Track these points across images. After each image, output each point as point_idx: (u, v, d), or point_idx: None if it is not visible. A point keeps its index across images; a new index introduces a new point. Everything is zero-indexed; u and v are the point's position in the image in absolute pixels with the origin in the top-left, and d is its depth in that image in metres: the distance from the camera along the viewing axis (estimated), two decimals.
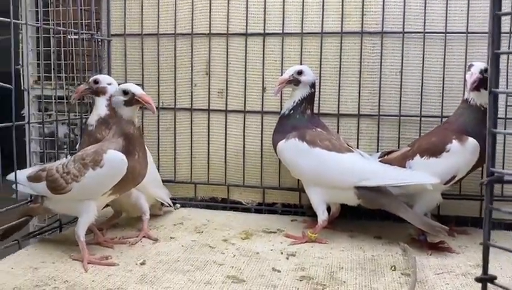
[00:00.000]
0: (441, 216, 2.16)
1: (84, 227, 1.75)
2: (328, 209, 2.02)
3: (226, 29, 2.38)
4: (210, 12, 2.39)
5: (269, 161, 2.40)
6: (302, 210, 2.39)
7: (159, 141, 2.51)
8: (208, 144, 2.48)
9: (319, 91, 2.25)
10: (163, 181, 2.33)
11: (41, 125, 2.50)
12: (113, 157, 1.72)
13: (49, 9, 2.82)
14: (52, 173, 1.78)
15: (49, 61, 2.50)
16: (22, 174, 1.87)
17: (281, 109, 2.22)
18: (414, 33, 2.19)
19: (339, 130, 2.29)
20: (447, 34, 2.15)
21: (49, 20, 2.73)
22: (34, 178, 1.84)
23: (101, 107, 2.04)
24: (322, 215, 1.98)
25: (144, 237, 1.99)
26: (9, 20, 1.73)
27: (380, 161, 2.03)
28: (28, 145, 2.15)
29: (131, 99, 1.75)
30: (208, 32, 2.40)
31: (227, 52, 2.40)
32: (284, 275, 1.65)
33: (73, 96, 2.09)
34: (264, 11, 2.34)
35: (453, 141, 1.87)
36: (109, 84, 2.05)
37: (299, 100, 2.06)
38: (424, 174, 1.86)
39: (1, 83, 0.98)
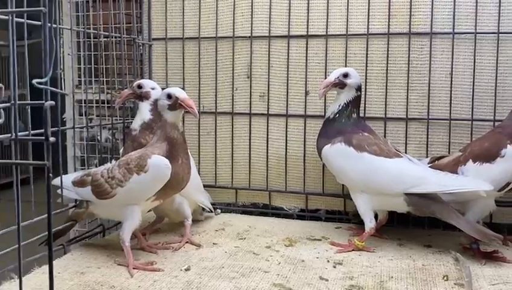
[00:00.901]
0: (492, 224, 2.13)
1: (129, 232, 1.78)
2: (375, 216, 2.01)
3: (268, 31, 2.40)
4: (252, 14, 2.42)
5: (312, 166, 2.41)
6: (347, 217, 2.38)
7: (199, 145, 2.54)
8: (249, 148, 2.50)
9: (365, 94, 2.24)
10: (204, 186, 2.35)
11: (83, 130, 2.56)
12: (158, 162, 1.75)
13: (90, 13, 2.89)
14: (97, 178, 1.82)
15: (90, 66, 2.58)
16: (67, 179, 1.91)
17: (325, 113, 2.22)
18: (465, 34, 2.17)
19: (386, 134, 2.27)
20: (500, 35, 2.12)
21: (89, 25, 2.82)
22: (79, 183, 1.88)
23: (144, 112, 2.07)
24: (370, 223, 1.97)
25: (186, 242, 2.01)
26: (54, 25, 1.77)
27: (430, 167, 1.99)
28: (73, 150, 2.20)
29: (175, 104, 1.77)
30: (250, 35, 2.42)
31: (269, 54, 2.42)
32: (332, 284, 1.64)
33: (117, 101, 2.12)
34: (307, 12, 2.34)
35: (508, 145, 1.85)
36: (153, 88, 2.08)
37: (345, 104, 2.05)
38: (478, 181, 1.83)
39: (54, 89, 1.02)
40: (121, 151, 2.16)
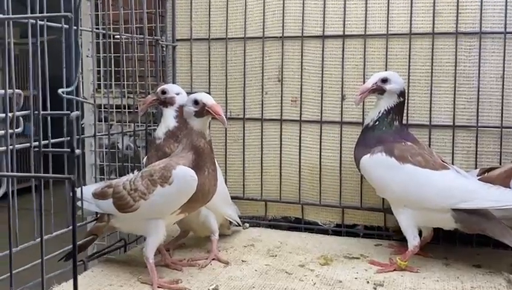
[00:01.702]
0: None
1: (153, 248, 1.79)
2: (419, 233, 1.98)
3: (301, 31, 2.39)
4: (283, 13, 2.41)
5: (349, 177, 2.39)
6: (388, 233, 2.36)
7: (226, 153, 2.55)
8: (280, 157, 2.50)
9: (408, 99, 2.21)
10: (231, 198, 2.36)
11: (102, 137, 2.60)
12: (183, 173, 1.76)
13: (110, 12, 2.92)
14: (119, 190, 1.84)
15: (110, 68, 2.62)
16: (87, 191, 1.93)
17: (363, 120, 2.22)
18: None
19: (431, 143, 2.25)
20: None
21: (109, 25, 2.85)
22: (100, 195, 1.89)
23: (169, 119, 2.09)
24: (413, 241, 1.94)
25: (213, 259, 2.02)
26: (75, 27, 1.79)
27: (479, 179, 1.97)
28: (95, 159, 2.23)
29: (202, 110, 1.78)
30: (281, 35, 2.42)
31: (301, 56, 2.41)
32: None
33: (140, 108, 2.15)
34: (344, 10, 2.33)
35: None
36: (177, 94, 2.11)
37: (385, 110, 2.03)
38: None
39: (82, 99, 1.04)
40: (144, 160, 2.19)
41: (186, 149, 1.80)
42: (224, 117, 1.76)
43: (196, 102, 1.79)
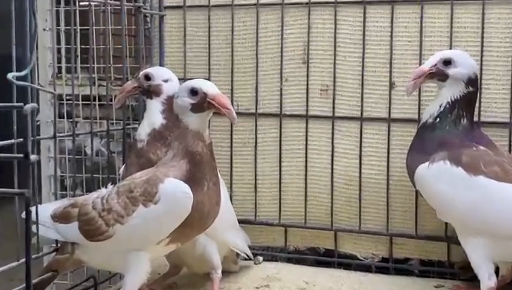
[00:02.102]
0: None
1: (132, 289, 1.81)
2: (496, 270, 1.98)
3: None
4: None
5: (400, 193, 2.40)
6: (452, 271, 2.35)
7: (232, 161, 2.56)
8: (306, 166, 2.50)
9: (480, 89, 2.20)
10: (239, 222, 2.38)
11: (66, 139, 2.65)
12: (173, 189, 1.78)
13: None
14: (87, 211, 1.85)
15: (75, 46, 2.65)
16: (45, 211, 1.93)
17: (420, 116, 2.22)
18: None
19: None
20: None
21: None
22: (61, 217, 1.91)
23: (154, 114, 2.11)
24: (488, 281, 1.93)
25: None
26: None
27: None
28: (54, 168, 2.25)
29: (202, 103, 1.79)
30: (307, 0, 2.44)
31: (335, 29, 2.42)
32: None
33: (116, 98, 2.16)
34: None
35: None
36: (166, 80, 2.13)
37: (449, 103, 2.04)
38: None
39: (38, 87, 1.05)
40: (121, 170, 2.21)
41: (178, 156, 1.82)
42: (233, 111, 1.78)
43: (194, 91, 1.80)
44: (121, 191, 1.83)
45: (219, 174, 1.91)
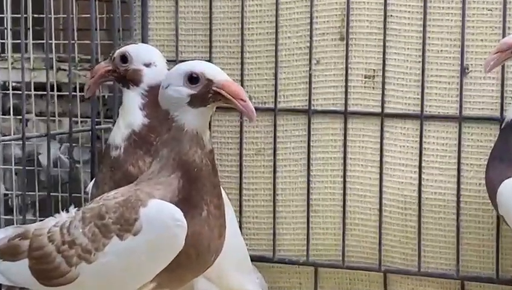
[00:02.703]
0: None
1: None
2: None
3: None
4: None
5: (474, 221, 2.42)
6: None
7: (241, 176, 2.61)
8: (344, 182, 2.53)
9: None
10: (251, 259, 2.39)
11: (12, 143, 2.65)
12: (160, 214, 1.78)
13: None
14: (41, 244, 1.86)
15: (25, 15, 2.61)
16: None
17: (502, 112, 2.27)
18: None
19: None
20: None
21: None
22: (5, 252, 1.92)
23: (132, 111, 2.14)
24: None
25: None
26: None
27: None
28: None
29: (206, 93, 1.80)
30: None
31: None
32: None
33: (86, 86, 2.19)
34: None
35: None
36: (147, 64, 2.16)
37: None
38: None
39: None
40: (88, 187, 2.27)
41: (167, 168, 1.83)
42: (250, 104, 1.78)
43: (193, 78, 1.81)
44: (87, 217, 1.83)
45: (224, 194, 1.92)
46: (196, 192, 1.81)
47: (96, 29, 2.52)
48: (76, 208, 1.94)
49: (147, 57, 2.16)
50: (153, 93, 2.06)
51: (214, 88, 1.78)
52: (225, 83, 1.78)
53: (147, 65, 2.15)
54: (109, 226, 1.80)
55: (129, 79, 2.15)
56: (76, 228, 1.83)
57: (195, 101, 1.80)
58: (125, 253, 1.79)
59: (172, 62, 2.23)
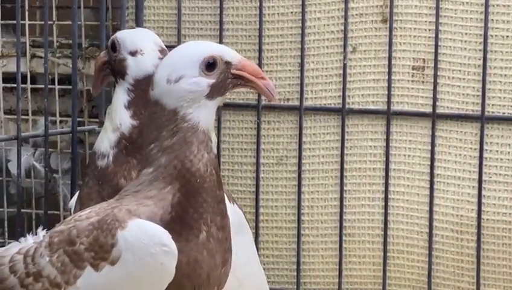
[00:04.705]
0: None
1: None
2: None
3: None
4: None
5: None
6: None
7: (258, 192, 2.59)
8: (386, 199, 2.53)
9: None
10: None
11: None
12: (142, 239, 1.70)
13: None
14: (1, 276, 1.79)
15: None
16: None
17: None
18: None
19: None
20: None
21: None
22: None
23: (118, 111, 2.13)
24: None
25: None
26: None
27: None
28: None
29: (225, 79, 1.76)
30: None
31: None
32: None
33: (93, 83, 2.23)
34: None
35: None
36: (133, 52, 2.13)
37: None
38: None
39: None
40: (71, 203, 2.24)
41: (163, 178, 1.75)
42: (271, 82, 1.75)
43: (211, 64, 1.74)
44: (55, 243, 1.74)
45: (239, 213, 1.99)
46: (194, 209, 1.73)
47: (79, 7, 2.51)
48: (45, 230, 1.85)
49: (133, 44, 2.14)
50: (140, 88, 2.07)
51: (234, 71, 1.76)
52: (244, 63, 1.77)
53: (133, 54, 2.13)
54: (81, 253, 1.72)
55: (117, 71, 2.15)
56: (43, 256, 1.74)
57: (215, 91, 1.76)
58: (102, 287, 1.72)
59: (170, 47, 2.14)
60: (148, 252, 1.68)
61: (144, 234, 1.69)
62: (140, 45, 2.13)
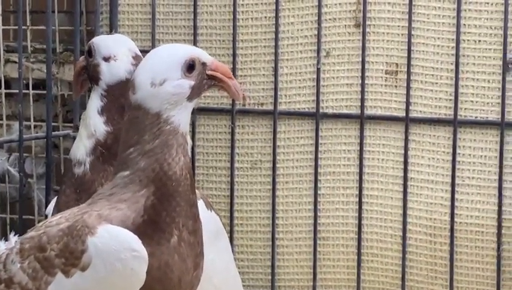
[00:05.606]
0: None
1: None
2: None
3: None
4: None
5: None
6: None
7: (232, 196, 2.60)
8: (359, 203, 2.53)
9: None
10: None
11: None
12: (112, 244, 1.70)
13: None
14: None
15: None
16: None
17: None
18: None
19: None
20: None
21: None
22: None
23: (92, 117, 2.12)
24: None
25: None
26: None
27: None
28: None
29: (202, 81, 1.77)
30: None
31: None
32: None
33: (73, 86, 2.23)
34: None
35: None
36: (106, 58, 2.13)
37: None
38: None
39: None
40: (48, 209, 2.24)
41: (138, 181, 1.76)
42: (238, 83, 1.77)
43: (191, 66, 1.76)
44: (26, 249, 1.75)
45: (216, 218, 2.00)
46: (167, 212, 1.74)
47: (53, 12, 2.50)
48: (17, 236, 1.85)
49: (107, 49, 2.15)
50: (112, 94, 2.07)
51: (208, 72, 1.78)
52: (217, 64, 1.79)
53: (106, 59, 2.13)
54: (52, 259, 1.72)
55: (91, 77, 2.16)
56: (14, 262, 1.75)
57: (194, 92, 1.78)
58: None
59: (144, 51, 2.15)
60: (118, 257, 1.68)
61: (113, 240, 1.69)
62: (113, 50, 2.14)
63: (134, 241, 1.69)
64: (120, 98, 1.97)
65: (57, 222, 1.77)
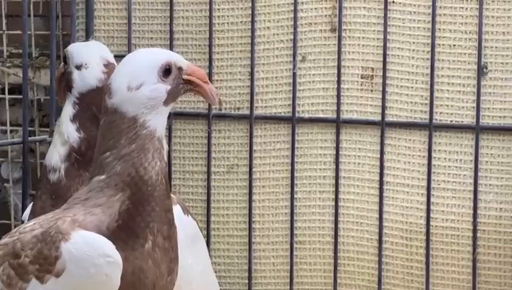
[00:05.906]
0: None
1: None
2: None
3: None
4: None
5: (494, 255, 2.47)
6: None
7: (209, 200, 2.60)
8: (336, 207, 2.54)
9: None
10: None
11: None
12: (85, 250, 1.70)
13: None
14: None
15: None
16: None
17: None
18: None
19: None
20: None
21: None
22: None
23: (65, 123, 2.13)
24: None
25: None
26: None
27: None
28: None
29: (178, 85, 1.77)
30: None
31: None
32: None
33: (57, 92, 2.23)
34: None
35: None
36: (78, 66, 2.14)
37: None
38: None
39: None
40: (24, 215, 2.25)
41: (114, 186, 1.76)
42: (213, 87, 1.77)
43: (167, 70, 1.76)
44: (0, 256, 1.75)
45: (193, 223, 2.00)
46: (142, 217, 1.74)
47: (29, 16, 2.49)
48: None
49: (79, 57, 2.15)
50: (84, 102, 2.08)
51: (184, 76, 1.78)
52: (193, 68, 1.79)
53: (78, 67, 2.13)
54: (26, 266, 1.72)
55: (66, 84, 2.16)
56: None
57: (170, 97, 1.78)
58: None
59: (119, 56, 2.17)
60: (92, 263, 1.68)
61: (87, 246, 1.69)
62: (85, 58, 2.14)
63: (108, 246, 1.68)
64: (91, 105, 2.00)
65: (31, 228, 1.77)
